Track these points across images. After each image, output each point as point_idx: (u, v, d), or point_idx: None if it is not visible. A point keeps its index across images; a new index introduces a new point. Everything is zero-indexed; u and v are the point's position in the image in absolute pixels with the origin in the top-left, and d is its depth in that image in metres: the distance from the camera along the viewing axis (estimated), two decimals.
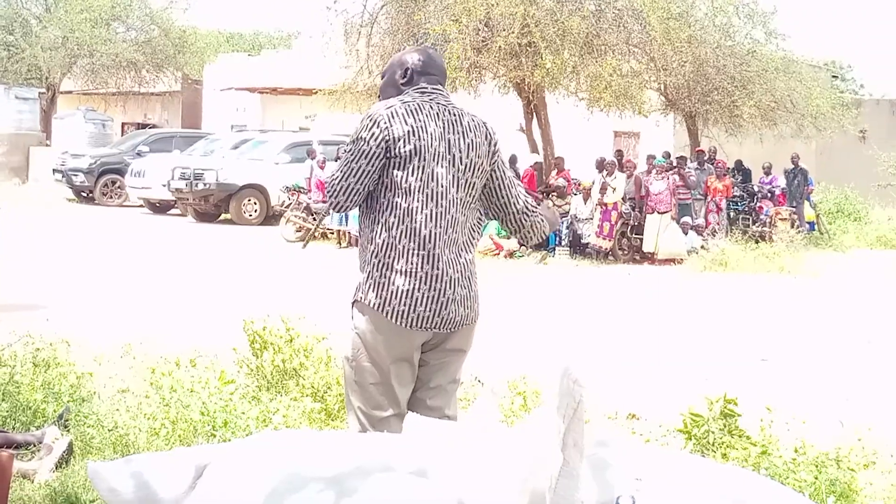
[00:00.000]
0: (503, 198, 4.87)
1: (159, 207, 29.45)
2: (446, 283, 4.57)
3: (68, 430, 6.27)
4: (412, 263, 4.53)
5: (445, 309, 4.58)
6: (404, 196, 4.54)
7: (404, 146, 4.53)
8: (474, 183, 4.73)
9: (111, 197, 31.47)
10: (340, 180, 4.57)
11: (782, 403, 6.91)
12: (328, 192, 4.63)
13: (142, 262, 17.56)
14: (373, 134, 4.54)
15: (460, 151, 4.66)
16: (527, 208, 4.94)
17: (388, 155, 4.54)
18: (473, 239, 4.79)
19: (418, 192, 4.54)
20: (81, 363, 7.74)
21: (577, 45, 21.02)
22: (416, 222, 4.53)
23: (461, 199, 4.67)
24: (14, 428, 6.41)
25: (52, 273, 15.14)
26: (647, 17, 21.22)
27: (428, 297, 4.54)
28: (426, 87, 4.72)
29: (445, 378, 4.77)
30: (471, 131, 4.71)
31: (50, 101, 43.56)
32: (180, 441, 6.04)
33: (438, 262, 4.56)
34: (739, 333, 12.63)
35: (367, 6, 23.64)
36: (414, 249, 4.53)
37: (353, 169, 4.55)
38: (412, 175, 4.54)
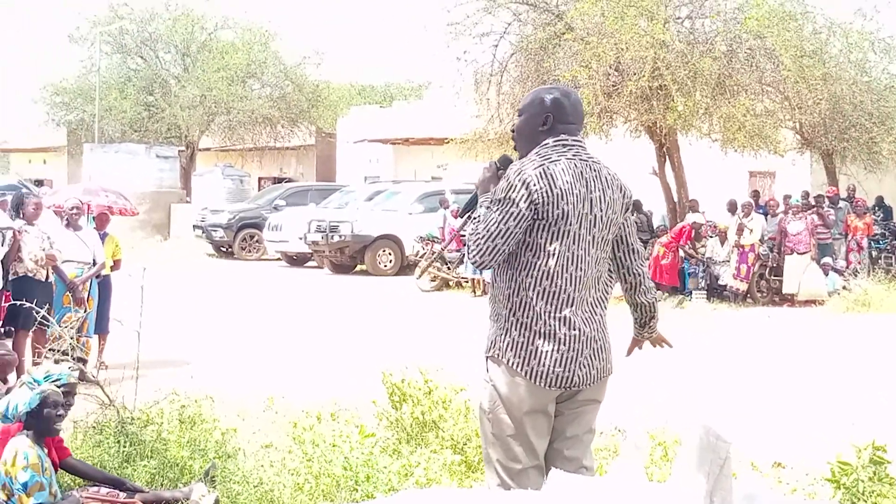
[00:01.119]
0: (626, 247, 4.83)
1: (296, 260, 29.85)
2: (583, 342, 4.55)
3: (215, 487, 6.38)
4: (550, 326, 4.50)
5: (582, 367, 4.56)
6: (546, 258, 4.51)
7: (553, 210, 4.48)
8: (609, 239, 4.70)
9: (250, 251, 32.02)
10: (487, 240, 4.48)
11: None
12: (472, 251, 4.54)
13: (281, 315, 17.84)
14: (521, 196, 4.46)
15: (601, 210, 4.62)
16: (643, 265, 4.92)
17: (535, 217, 4.49)
18: (608, 292, 4.76)
19: (560, 255, 4.51)
20: (226, 419, 7.89)
21: (709, 87, 20.81)
22: (555, 285, 4.51)
23: (598, 257, 4.65)
24: (162, 485, 6.55)
25: (194, 329, 15.48)
26: (779, 55, 20.93)
27: (567, 357, 4.52)
28: (567, 140, 4.66)
29: (581, 428, 4.74)
30: (609, 188, 4.66)
31: (189, 158, 44.74)
32: (324, 496, 6.10)
33: (575, 323, 4.53)
34: (885, 376, 12.30)
35: (496, 55, 23.75)
36: (551, 312, 4.50)
37: (500, 230, 4.47)
38: (556, 239, 4.50)
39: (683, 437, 3.95)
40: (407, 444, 7.35)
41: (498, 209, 4.51)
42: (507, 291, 4.59)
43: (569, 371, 4.53)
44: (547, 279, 4.51)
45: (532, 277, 4.52)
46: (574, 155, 4.63)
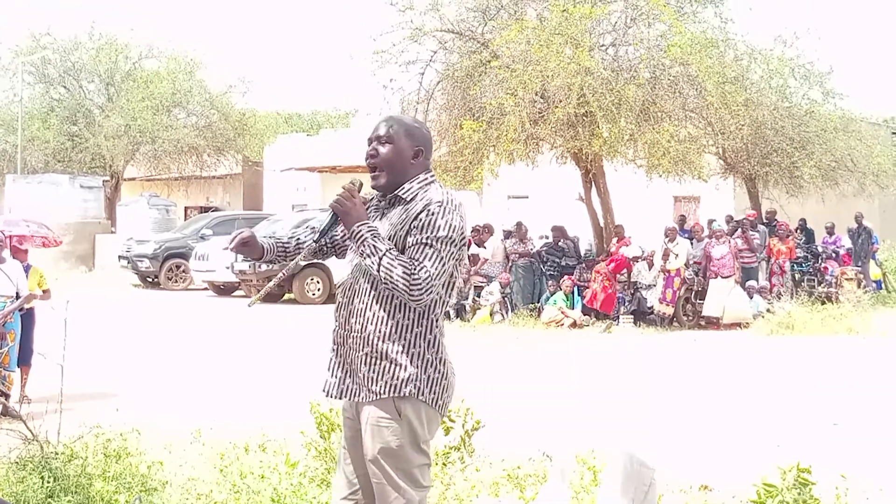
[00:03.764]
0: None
1: (224, 290, 29.61)
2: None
3: None
4: (446, 357, 4.53)
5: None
6: (447, 290, 4.51)
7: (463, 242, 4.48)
8: None
9: (176, 281, 31.74)
10: (435, 279, 4.31)
11: (857, 469, 6.81)
12: (418, 291, 4.27)
13: (208, 345, 17.70)
14: (462, 236, 4.40)
15: None
16: None
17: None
18: None
19: (453, 284, 4.55)
20: (152, 451, 7.80)
21: (634, 113, 21.00)
22: (435, 313, 4.50)
23: None
24: None
25: (120, 361, 15.29)
26: (702, 82, 21.18)
27: (452, 383, 4.59)
28: (432, 173, 4.66)
29: None
30: None
31: (114, 188, 44.29)
32: None
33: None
34: (809, 398, 12.45)
35: (423, 83, 23.77)
36: (441, 339, 4.52)
37: (447, 269, 4.38)
38: (456, 267, 4.52)
39: (609, 463, 3.98)
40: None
41: (445, 248, 4.36)
42: (418, 329, 4.45)
43: (452, 396, 4.61)
44: (438, 307, 4.49)
45: (437, 312, 4.49)
46: (440, 187, 4.58)
